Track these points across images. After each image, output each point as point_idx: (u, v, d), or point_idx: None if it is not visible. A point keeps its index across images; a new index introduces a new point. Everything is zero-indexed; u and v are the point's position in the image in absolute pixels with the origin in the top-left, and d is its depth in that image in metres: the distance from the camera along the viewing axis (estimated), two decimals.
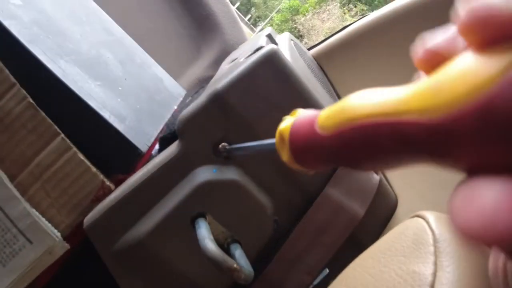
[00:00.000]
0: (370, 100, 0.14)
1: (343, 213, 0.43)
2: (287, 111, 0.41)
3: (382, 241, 0.29)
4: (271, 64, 0.38)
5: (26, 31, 0.45)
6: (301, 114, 0.19)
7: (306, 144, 0.18)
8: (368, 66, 0.62)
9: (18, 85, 0.42)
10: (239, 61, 0.45)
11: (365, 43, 0.61)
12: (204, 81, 0.99)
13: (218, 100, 0.38)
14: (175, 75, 0.85)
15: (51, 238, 0.42)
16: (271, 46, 0.40)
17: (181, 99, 0.70)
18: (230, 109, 0.38)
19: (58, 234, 0.43)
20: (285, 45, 0.60)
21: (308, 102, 0.40)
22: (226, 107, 0.38)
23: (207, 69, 1.03)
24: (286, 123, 0.20)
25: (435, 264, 0.24)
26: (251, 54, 0.42)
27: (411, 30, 0.52)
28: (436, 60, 0.13)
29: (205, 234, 0.35)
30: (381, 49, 0.58)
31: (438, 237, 0.25)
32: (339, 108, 0.16)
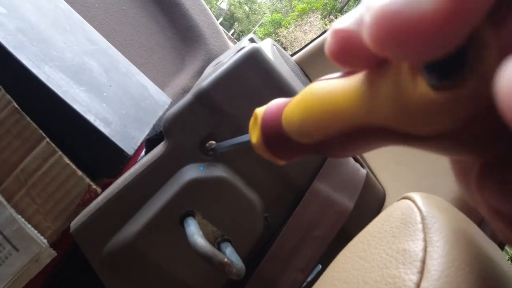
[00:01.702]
0: (329, 99, 0.14)
1: (333, 207, 0.43)
2: None
3: (371, 225, 0.30)
4: (253, 62, 0.39)
5: (11, 37, 0.45)
6: (271, 104, 0.19)
7: (276, 136, 0.17)
8: None
9: (3, 90, 0.41)
10: (223, 62, 0.46)
11: None
12: (188, 91, 0.99)
13: (203, 97, 0.38)
14: (160, 86, 0.86)
15: (38, 245, 0.42)
16: (253, 45, 0.40)
17: (167, 106, 0.70)
18: (216, 106, 0.39)
19: (45, 240, 0.42)
20: (267, 49, 0.61)
21: (290, 96, 0.41)
22: (211, 104, 0.38)
23: (191, 79, 1.04)
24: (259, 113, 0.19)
25: (425, 240, 0.24)
26: (234, 55, 0.42)
27: None
28: (348, 45, 0.13)
29: (194, 230, 0.35)
30: None
31: (425, 215, 0.25)
32: (302, 105, 0.15)
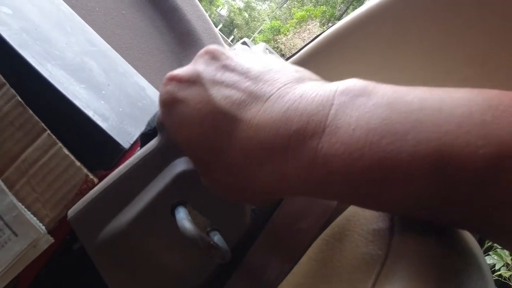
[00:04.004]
0: None
1: (318, 201, 0.46)
2: None
3: (347, 210, 0.32)
4: None
5: (16, 36, 0.48)
6: None
7: None
8: (342, 71, 0.66)
9: (7, 85, 0.44)
10: None
11: (337, 48, 0.65)
12: None
13: None
14: (159, 88, 0.88)
15: (36, 231, 0.44)
16: (240, 44, 0.43)
17: None
18: None
19: (43, 227, 0.45)
20: (259, 52, 0.64)
21: None
22: None
23: None
24: None
25: (391, 219, 0.27)
26: None
27: (379, 32, 0.56)
28: None
29: (183, 216, 0.37)
30: (351, 53, 0.62)
31: None
32: None
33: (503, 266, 2.09)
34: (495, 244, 2.13)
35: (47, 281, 0.54)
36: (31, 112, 0.45)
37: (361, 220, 0.29)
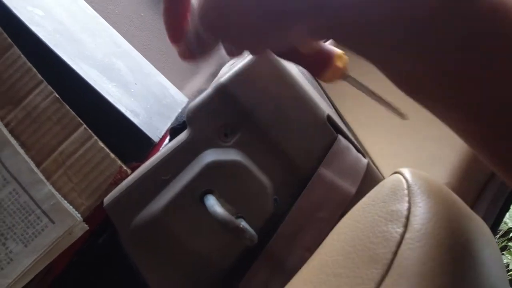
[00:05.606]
0: None
1: (336, 191, 0.48)
2: (280, 101, 0.47)
3: (366, 196, 0.34)
4: (267, 61, 0.45)
5: (50, 37, 0.51)
6: None
7: None
8: (358, 73, 0.68)
9: (45, 82, 0.47)
10: (239, 61, 0.51)
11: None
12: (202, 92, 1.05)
13: (222, 91, 0.44)
14: (177, 87, 0.92)
15: (73, 218, 0.47)
16: None
17: (184, 105, 0.76)
18: (232, 99, 0.44)
19: (79, 215, 0.48)
20: None
21: (298, 93, 0.46)
22: (229, 97, 0.44)
23: (205, 82, 1.09)
24: None
25: (409, 202, 0.29)
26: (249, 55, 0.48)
27: None
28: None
29: (213, 202, 0.40)
30: None
31: (410, 183, 0.30)
32: None
33: None
34: (509, 244, 2.12)
35: (76, 270, 0.57)
36: (68, 107, 0.48)
37: (379, 203, 0.32)
